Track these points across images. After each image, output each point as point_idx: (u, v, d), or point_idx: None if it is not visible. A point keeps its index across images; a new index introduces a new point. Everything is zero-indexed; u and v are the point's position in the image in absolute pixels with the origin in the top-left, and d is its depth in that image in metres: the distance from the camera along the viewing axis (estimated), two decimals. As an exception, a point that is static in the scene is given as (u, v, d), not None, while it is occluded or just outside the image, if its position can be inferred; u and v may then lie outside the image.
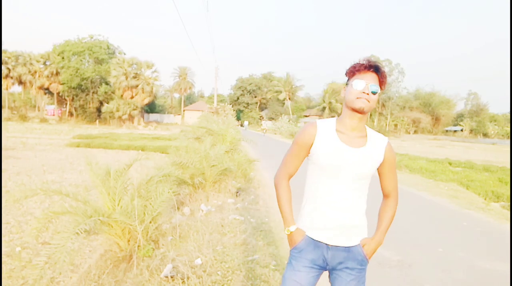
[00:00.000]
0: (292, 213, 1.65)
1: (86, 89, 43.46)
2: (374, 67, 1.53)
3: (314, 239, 1.59)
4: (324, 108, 54.38)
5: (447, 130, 63.87)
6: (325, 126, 1.59)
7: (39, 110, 49.57)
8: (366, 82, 1.50)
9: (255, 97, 64.35)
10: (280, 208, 1.66)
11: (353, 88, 1.52)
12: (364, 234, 1.65)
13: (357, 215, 1.61)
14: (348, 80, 1.61)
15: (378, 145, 1.60)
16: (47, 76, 43.89)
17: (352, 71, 1.56)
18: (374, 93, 1.51)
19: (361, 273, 1.63)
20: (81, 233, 2.78)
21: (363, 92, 1.49)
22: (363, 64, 1.54)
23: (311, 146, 1.58)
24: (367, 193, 1.66)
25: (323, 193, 1.57)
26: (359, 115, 1.55)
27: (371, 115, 59.52)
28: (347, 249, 1.59)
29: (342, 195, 1.56)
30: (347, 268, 1.60)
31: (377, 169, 1.65)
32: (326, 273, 1.70)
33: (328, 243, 1.58)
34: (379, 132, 1.67)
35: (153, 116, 53.94)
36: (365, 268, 1.65)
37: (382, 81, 1.54)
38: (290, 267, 1.62)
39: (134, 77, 42.08)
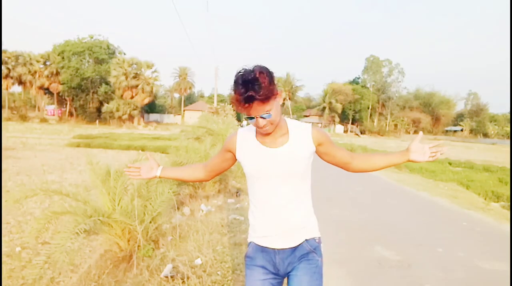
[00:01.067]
0: (171, 168, 1.75)
1: (86, 89, 43.50)
2: (250, 99, 1.28)
3: (260, 245, 1.55)
4: (324, 108, 54.39)
5: (447, 131, 63.92)
6: (245, 133, 1.54)
7: (39, 110, 49.59)
8: (255, 115, 1.34)
9: (255, 97, 64.24)
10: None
11: (249, 122, 1.41)
12: (312, 232, 1.56)
13: (299, 216, 1.52)
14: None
15: (303, 136, 1.48)
16: (47, 76, 43.93)
17: (234, 103, 1.36)
18: (269, 117, 1.34)
19: (310, 265, 1.52)
20: (81, 233, 2.77)
21: (258, 126, 1.38)
22: (238, 99, 1.31)
23: (235, 153, 1.55)
24: (309, 190, 1.57)
25: (259, 200, 1.52)
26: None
27: (371, 115, 59.58)
28: (293, 249, 1.53)
29: (277, 199, 1.48)
30: (296, 266, 1.54)
31: (320, 156, 1.56)
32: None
33: (273, 247, 1.52)
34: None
35: (153, 116, 53.95)
36: (316, 261, 1.54)
37: (269, 98, 1.30)
38: (246, 278, 1.58)
39: (134, 77, 42.12)
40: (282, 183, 1.47)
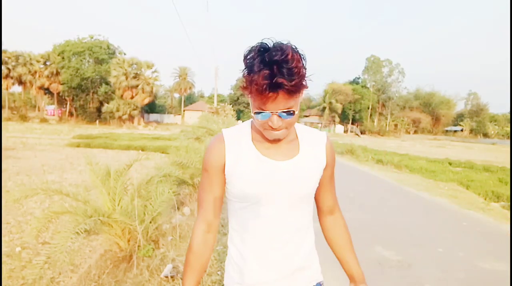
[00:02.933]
0: (196, 280, 1.12)
1: (86, 89, 43.53)
2: (278, 86, 0.89)
3: None
4: (324, 108, 54.38)
5: (447, 131, 63.94)
6: (235, 137, 1.09)
7: (39, 110, 49.61)
8: (270, 111, 0.95)
9: (255, 97, 64.32)
10: (184, 267, 1.14)
11: (255, 115, 0.99)
12: (318, 274, 1.20)
13: (305, 253, 1.13)
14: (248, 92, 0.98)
15: (316, 145, 1.12)
16: (47, 76, 43.95)
17: (248, 87, 0.95)
18: (288, 118, 0.97)
19: None
20: (81, 233, 2.78)
21: (270, 127, 0.98)
22: (258, 82, 0.90)
23: (224, 169, 1.07)
24: (312, 214, 1.19)
25: (253, 233, 1.09)
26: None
27: (371, 115, 59.59)
28: None
29: (281, 231, 1.08)
30: None
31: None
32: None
33: None
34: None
35: (153, 116, 53.97)
36: None
37: (299, 91, 0.94)
38: None
39: (134, 77, 42.13)
40: (288, 208, 1.08)
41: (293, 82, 0.90)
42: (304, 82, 0.94)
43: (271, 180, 1.04)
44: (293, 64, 0.89)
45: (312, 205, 1.17)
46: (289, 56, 0.89)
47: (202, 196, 1.12)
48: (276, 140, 1.04)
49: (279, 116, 0.96)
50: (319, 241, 1.25)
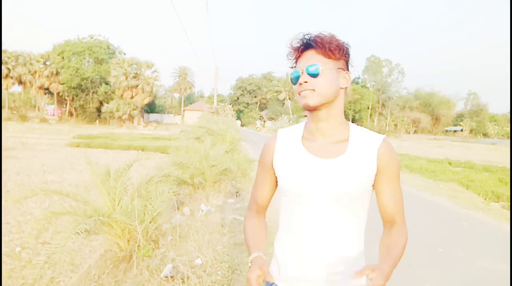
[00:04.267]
0: (257, 243, 1.15)
1: (86, 89, 43.53)
2: (306, 44, 1.06)
3: None
4: (324, 108, 54.27)
5: (447, 130, 63.93)
6: (287, 135, 1.16)
7: (39, 110, 49.57)
8: (300, 68, 1.05)
9: (255, 97, 64.41)
10: (246, 243, 1.19)
11: (292, 85, 1.10)
12: (362, 283, 1.14)
13: (350, 257, 1.10)
14: None
15: (367, 148, 1.07)
16: (47, 76, 43.95)
17: (292, 62, 1.12)
18: (314, 75, 1.03)
19: None
20: (81, 233, 2.78)
21: (300, 84, 1.05)
22: (295, 41, 1.08)
23: (273, 161, 1.16)
24: (365, 221, 1.16)
25: (294, 229, 1.12)
26: (318, 113, 1.07)
27: (371, 115, 59.59)
28: None
29: (322, 231, 1.07)
30: None
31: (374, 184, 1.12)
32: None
33: None
34: (378, 132, 1.13)
35: (153, 116, 53.96)
36: None
37: (329, 51, 1.04)
38: None
39: (134, 77, 42.15)
40: (331, 207, 1.07)
41: (324, 40, 1.03)
42: (338, 52, 1.05)
43: (313, 175, 1.06)
44: (327, 34, 1.04)
45: (363, 214, 1.14)
46: (324, 32, 1.05)
47: (254, 188, 1.25)
48: (310, 109, 1.06)
49: (306, 72, 1.03)
50: None
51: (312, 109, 1.06)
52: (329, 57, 1.04)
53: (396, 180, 1.12)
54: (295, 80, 1.07)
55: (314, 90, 1.03)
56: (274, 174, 1.16)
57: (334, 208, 1.07)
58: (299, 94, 1.06)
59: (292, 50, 1.08)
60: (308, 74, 1.03)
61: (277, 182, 1.17)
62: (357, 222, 1.13)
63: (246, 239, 1.19)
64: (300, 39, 1.06)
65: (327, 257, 1.08)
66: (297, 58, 1.09)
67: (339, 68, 1.06)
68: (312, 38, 1.04)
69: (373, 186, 1.11)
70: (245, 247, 1.17)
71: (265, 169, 1.19)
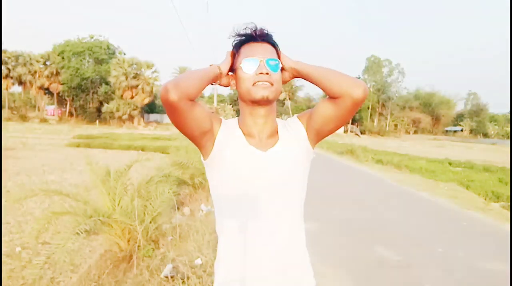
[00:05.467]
0: None
1: (86, 89, 43.56)
2: (264, 36, 1.07)
3: None
4: (324, 108, 54.27)
5: (447, 131, 63.97)
6: (229, 123, 1.13)
7: (39, 110, 49.57)
8: (259, 58, 1.03)
9: (255, 97, 64.35)
10: (197, 73, 1.01)
11: (244, 73, 1.04)
12: (308, 276, 1.14)
13: (295, 250, 1.11)
14: (233, 61, 1.12)
15: (291, 125, 1.13)
16: (47, 76, 43.96)
17: (237, 46, 1.10)
18: (274, 70, 1.04)
19: None
20: (81, 233, 2.78)
21: (260, 73, 1.02)
22: (247, 33, 1.07)
23: (215, 134, 1.06)
24: (302, 211, 1.15)
25: (238, 227, 1.06)
26: (263, 109, 1.07)
27: (371, 115, 59.57)
28: None
29: (268, 225, 1.05)
30: None
31: (317, 128, 1.08)
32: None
33: None
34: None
35: (153, 116, 53.97)
36: None
37: (277, 51, 1.09)
38: None
39: (134, 77, 42.15)
40: (275, 198, 1.06)
41: (272, 38, 1.08)
42: (279, 55, 1.10)
43: (256, 166, 1.05)
44: (272, 39, 1.09)
45: (302, 199, 1.14)
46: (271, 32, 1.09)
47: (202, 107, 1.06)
48: (264, 102, 1.04)
49: (266, 64, 1.03)
50: (314, 243, 1.25)
51: (265, 103, 1.05)
52: (279, 58, 1.09)
53: (310, 109, 1.14)
54: (250, 69, 1.03)
55: (272, 84, 1.03)
56: (208, 126, 1.03)
57: (282, 197, 1.07)
58: (253, 84, 1.03)
59: (246, 38, 1.07)
60: (269, 67, 1.03)
61: (204, 122, 1.02)
62: (299, 210, 1.13)
63: (194, 71, 1.03)
64: (259, 29, 1.07)
65: (283, 251, 1.07)
66: (240, 46, 1.08)
67: (280, 69, 1.10)
68: (267, 33, 1.07)
69: (316, 124, 1.09)
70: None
71: (210, 117, 1.05)
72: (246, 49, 1.07)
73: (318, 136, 1.12)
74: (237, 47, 1.10)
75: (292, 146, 1.09)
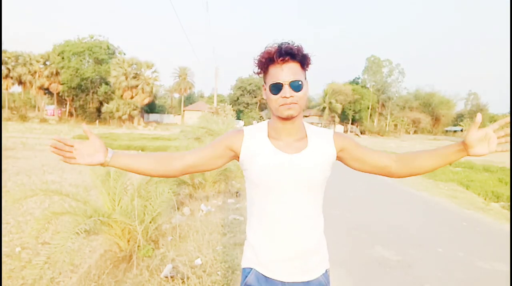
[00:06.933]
0: (129, 156, 1.24)
1: (86, 89, 43.53)
2: (289, 54, 1.14)
3: (265, 275, 1.24)
4: (324, 108, 54.36)
5: (447, 131, 63.93)
6: (254, 133, 1.27)
7: (39, 110, 49.58)
8: (282, 82, 1.14)
9: (255, 97, 64.39)
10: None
11: (271, 95, 1.17)
12: (326, 260, 1.33)
13: (315, 237, 1.26)
14: (263, 78, 1.23)
15: (323, 141, 1.26)
16: (47, 76, 43.94)
17: (262, 67, 1.19)
18: (297, 90, 1.15)
19: None
20: (81, 233, 2.78)
21: (284, 97, 1.15)
22: (270, 52, 1.14)
23: (238, 152, 1.25)
24: (322, 200, 1.32)
25: (267, 216, 1.23)
26: (293, 119, 1.21)
27: (371, 115, 59.59)
28: (307, 284, 1.25)
29: (292, 216, 1.21)
30: None
31: (347, 163, 1.32)
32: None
33: (282, 280, 1.23)
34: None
35: (153, 116, 53.94)
36: None
37: (306, 65, 1.19)
38: None
39: (134, 77, 42.14)
40: (300, 196, 1.22)
41: (300, 52, 1.14)
42: (310, 59, 1.18)
43: (283, 169, 1.20)
44: (299, 45, 1.16)
45: (322, 196, 1.30)
46: (295, 42, 1.17)
47: (198, 151, 1.29)
48: (290, 118, 1.19)
49: (290, 87, 1.14)
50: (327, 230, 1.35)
51: (291, 119, 1.20)
52: (304, 70, 1.20)
53: (359, 144, 1.31)
54: (276, 91, 1.16)
55: (297, 103, 1.17)
56: (226, 154, 1.28)
57: (306, 195, 1.23)
58: (281, 105, 1.16)
59: (269, 59, 1.15)
60: (293, 89, 1.15)
61: (219, 158, 1.28)
62: (319, 203, 1.29)
63: (143, 155, 1.28)
64: (280, 49, 1.14)
65: (303, 238, 1.23)
66: (268, 66, 1.17)
67: (306, 78, 1.21)
68: (292, 50, 1.14)
69: (347, 160, 1.31)
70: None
71: (222, 146, 1.26)
72: (272, 69, 1.17)
73: (343, 161, 1.32)
74: (265, 67, 1.19)
75: (318, 154, 1.23)
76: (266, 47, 1.17)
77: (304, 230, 1.23)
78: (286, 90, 1.14)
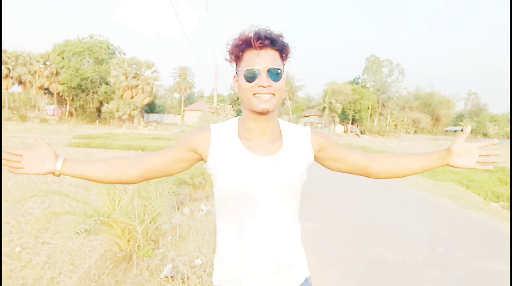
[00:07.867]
0: (80, 163, 1.16)
1: (86, 89, 43.53)
2: (268, 39, 1.00)
3: None
4: (324, 108, 54.36)
5: (447, 131, 63.95)
6: (223, 132, 1.11)
7: (39, 110, 49.57)
8: (259, 67, 1.00)
9: (255, 97, 64.24)
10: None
11: (245, 82, 1.02)
12: (303, 269, 1.19)
13: (292, 247, 1.14)
14: (235, 66, 1.09)
15: (300, 141, 1.14)
16: (47, 76, 43.93)
17: (237, 53, 1.04)
18: (276, 80, 1.01)
19: None
20: (81, 233, 2.78)
21: (260, 86, 1.00)
22: (247, 35, 1.01)
23: (205, 156, 1.11)
24: (299, 203, 1.19)
25: (238, 227, 1.09)
26: (267, 115, 1.06)
27: (371, 115, 59.56)
28: None
29: (267, 226, 1.08)
30: None
31: (325, 163, 1.21)
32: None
33: None
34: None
35: (153, 116, 53.94)
36: None
37: (285, 54, 1.06)
38: None
39: (134, 77, 42.14)
40: (275, 203, 1.08)
41: (279, 39, 1.01)
42: (289, 49, 1.04)
43: (257, 174, 1.06)
44: (278, 33, 1.02)
45: (298, 201, 1.17)
46: (273, 30, 1.03)
47: (157, 154, 1.15)
48: (265, 113, 1.04)
49: (268, 75, 1.00)
50: (308, 240, 1.29)
51: (266, 114, 1.05)
52: (284, 60, 1.06)
53: (337, 144, 1.20)
54: (251, 79, 1.01)
55: (274, 95, 1.02)
56: (190, 157, 1.13)
57: (282, 201, 1.09)
58: (254, 94, 1.01)
59: (246, 43, 1.01)
60: (270, 77, 1.01)
61: (181, 162, 1.13)
62: (296, 207, 1.17)
63: (98, 161, 1.17)
64: (259, 33, 1.00)
65: (276, 252, 1.10)
66: (244, 51, 1.03)
67: (285, 70, 1.08)
68: (272, 35, 1.01)
69: (326, 162, 1.20)
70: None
71: (184, 149, 1.12)
72: (248, 55, 1.02)
73: (320, 161, 1.20)
74: (237, 54, 1.05)
75: (294, 156, 1.11)
76: (240, 32, 1.03)
77: (280, 242, 1.10)
78: (263, 78, 0.99)
